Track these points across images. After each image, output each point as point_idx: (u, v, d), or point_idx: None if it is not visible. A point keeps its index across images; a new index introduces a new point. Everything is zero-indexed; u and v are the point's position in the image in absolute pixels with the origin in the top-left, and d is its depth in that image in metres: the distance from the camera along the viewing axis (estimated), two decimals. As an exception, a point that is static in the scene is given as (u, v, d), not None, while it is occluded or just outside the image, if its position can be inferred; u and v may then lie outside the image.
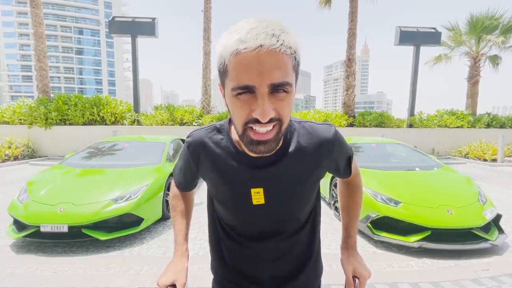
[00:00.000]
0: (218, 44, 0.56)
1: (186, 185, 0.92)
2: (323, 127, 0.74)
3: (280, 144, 0.65)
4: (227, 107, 0.61)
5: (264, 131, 0.56)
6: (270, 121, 0.55)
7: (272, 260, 0.79)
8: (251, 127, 0.57)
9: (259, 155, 0.61)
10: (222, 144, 0.73)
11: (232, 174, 0.71)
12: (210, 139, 0.74)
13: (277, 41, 0.51)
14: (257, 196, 0.70)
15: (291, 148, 0.70)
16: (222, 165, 0.72)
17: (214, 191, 0.78)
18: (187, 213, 0.93)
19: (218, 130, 0.75)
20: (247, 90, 0.53)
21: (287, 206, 0.74)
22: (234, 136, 0.72)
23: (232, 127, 0.72)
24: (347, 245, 0.92)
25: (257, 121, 0.55)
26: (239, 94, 0.55)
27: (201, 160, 0.75)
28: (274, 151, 0.63)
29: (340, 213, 0.95)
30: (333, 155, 0.75)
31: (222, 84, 0.60)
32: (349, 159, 0.83)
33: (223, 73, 0.57)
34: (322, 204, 4.78)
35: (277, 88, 0.54)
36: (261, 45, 0.50)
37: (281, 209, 0.74)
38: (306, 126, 0.74)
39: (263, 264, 0.80)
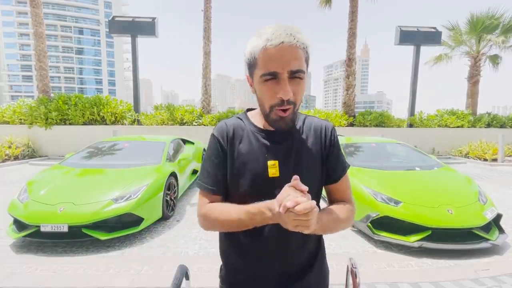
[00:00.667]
0: (248, 44, 0.74)
1: (218, 183, 0.83)
2: (324, 120, 0.91)
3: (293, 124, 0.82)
4: (255, 93, 0.78)
5: (284, 109, 0.73)
6: (288, 103, 0.72)
7: (282, 257, 0.83)
8: (276, 109, 0.74)
9: (279, 129, 0.78)
10: (243, 127, 0.86)
11: (252, 149, 0.82)
12: (233, 124, 0.87)
13: (294, 38, 0.69)
14: (273, 169, 0.79)
15: (301, 128, 0.86)
16: (244, 142, 0.83)
17: (236, 168, 0.82)
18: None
19: (239, 118, 0.90)
20: (273, 76, 0.70)
21: (302, 180, 0.77)
22: (253, 120, 0.88)
23: (250, 114, 0.90)
24: None
25: (280, 104, 0.72)
26: (266, 80, 0.71)
27: (228, 137, 0.85)
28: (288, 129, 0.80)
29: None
30: (331, 143, 0.86)
31: (251, 75, 0.77)
32: (343, 166, 0.90)
33: (252, 65, 0.74)
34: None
35: (294, 75, 0.71)
36: (282, 42, 0.68)
37: None
38: (311, 117, 0.92)
39: (273, 262, 0.83)
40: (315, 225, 0.64)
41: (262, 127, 0.84)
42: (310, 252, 0.87)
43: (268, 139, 0.82)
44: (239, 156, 0.82)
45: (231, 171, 0.82)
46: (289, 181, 0.75)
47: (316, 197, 0.84)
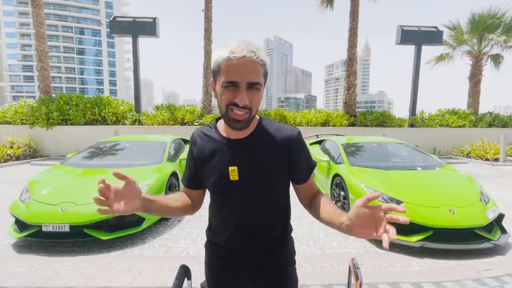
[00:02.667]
0: (214, 53, 0.82)
1: (189, 180, 1.03)
2: (289, 127, 0.96)
3: (251, 130, 0.92)
4: (216, 96, 0.85)
5: (240, 113, 0.81)
6: (244, 107, 0.80)
7: (252, 239, 0.95)
8: (232, 109, 0.81)
9: (235, 130, 0.85)
10: (211, 135, 0.98)
11: (217, 155, 0.94)
12: (203, 132, 1.00)
13: (254, 54, 0.78)
14: (233, 173, 0.90)
15: (260, 137, 0.92)
16: (210, 149, 0.95)
17: (205, 173, 0.97)
18: (172, 199, 1.00)
19: (210, 126, 1.01)
20: (233, 84, 0.78)
21: (256, 184, 0.91)
22: (220, 128, 0.97)
23: (219, 123, 0.99)
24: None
25: (235, 105, 0.80)
26: (227, 86, 0.79)
27: (197, 145, 0.98)
28: (246, 136, 0.91)
29: (327, 215, 0.88)
30: (293, 151, 0.93)
31: (215, 80, 0.85)
32: (311, 167, 0.98)
33: (216, 72, 0.82)
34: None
35: (252, 86, 0.79)
36: (244, 56, 0.77)
37: (251, 186, 0.91)
38: (275, 124, 0.97)
39: (244, 242, 0.95)
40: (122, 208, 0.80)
41: (226, 135, 0.94)
42: (275, 236, 0.98)
43: (230, 147, 0.92)
44: (205, 161, 0.95)
45: (201, 173, 0.98)
46: (247, 184, 0.90)
47: (281, 196, 0.97)
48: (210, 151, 0.95)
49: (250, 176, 0.90)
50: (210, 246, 1.05)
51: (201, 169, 0.97)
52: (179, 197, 1.02)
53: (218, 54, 0.80)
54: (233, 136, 0.91)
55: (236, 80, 0.78)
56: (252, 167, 0.90)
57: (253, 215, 0.93)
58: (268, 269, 0.97)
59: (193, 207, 1.04)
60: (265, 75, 0.84)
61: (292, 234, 1.05)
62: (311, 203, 0.97)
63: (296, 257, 1.05)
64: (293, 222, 1.03)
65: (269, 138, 0.92)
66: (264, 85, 0.86)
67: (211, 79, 0.87)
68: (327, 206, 0.91)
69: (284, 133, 0.93)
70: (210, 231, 1.05)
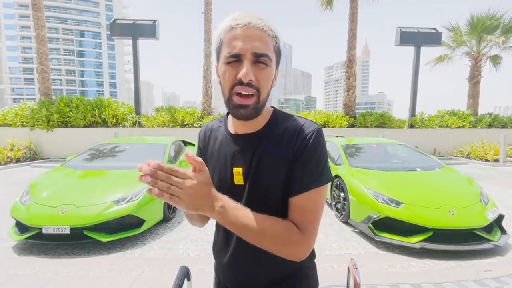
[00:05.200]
0: (217, 30, 0.69)
1: None
2: (305, 120, 0.75)
3: (264, 123, 0.76)
4: (219, 80, 0.71)
5: (246, 93, 0.66)
6: (250, 85, 0.65)
7: (253, 269, 0.79)
8: (236, 93, 0.67)
9: (241, 119, 0.70)
10: (219, 129, 0.85)
11: (221, 153, 0.80)
12: (213, 125, 0.89)
13: (262, 21, 0.66)
14: (238, 176, 0.75)
15: (272, 134, 0.75)
16: (216, 145, 0.83)
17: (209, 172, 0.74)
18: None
19: (220, 120, 0.89)
20: (236, 58, 0.65)
21: (264, 190, 0.72)
22: (228, 122, 0.83)
23: (229, 117, 0.84)
24: None
25: (240, 83, 0.65)
26: (229, 62, 0.66)
27: (205, 139, 0.87)
28: (256, 130, 0.75)
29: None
30: (301, 146, 0.70)
31: (218, 61, 0.71)
32: (316, 179, 0.69)
33: (219, 50, 0.69)
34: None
35: (259, 59, 0.65)
36: (249, 22, 0.64)
37: (258, 192, 0.73)
38: (292, 117, 0.78)
39: (251, 268, 0.79)
40: (196, 201, 0.57)
41: (233, 132, 0.79)
42: (286, 266, 0.77)
43: (236, 145, 0.77)
44: (210, 160, 0.82)
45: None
46: (254, 190, 0.73)
47: (276, 214, 0.70)
48: (214, 148, 0.82)
49: (257, 181, 0.72)
50: (216, 268, 0.90)
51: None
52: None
53: (220, 27, 0.67)
54: (241, 131, 0.77)
55: (239, 53, 0.64)
56: (260, 169, 0.72)
57: None
58: None
59: None
60: (277, 52, 0.69)
61: None
62: None
63: None
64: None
65: (282, 134, 0.73)
66: (277, 65, 0.72)
67: (215, 64, 0.73)
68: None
69: (296, 125, 0.73)
70: (213, 249, 0.90)
